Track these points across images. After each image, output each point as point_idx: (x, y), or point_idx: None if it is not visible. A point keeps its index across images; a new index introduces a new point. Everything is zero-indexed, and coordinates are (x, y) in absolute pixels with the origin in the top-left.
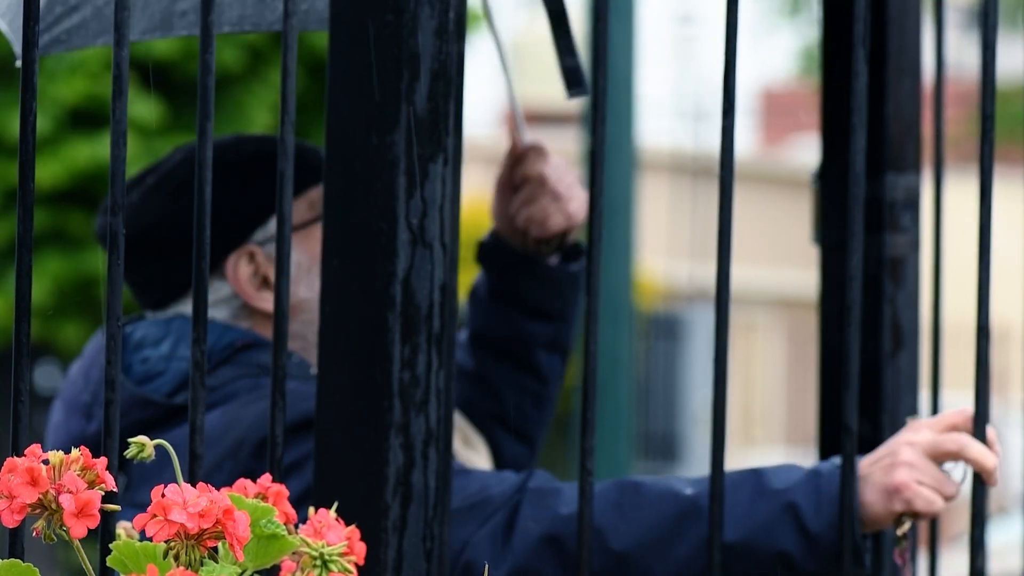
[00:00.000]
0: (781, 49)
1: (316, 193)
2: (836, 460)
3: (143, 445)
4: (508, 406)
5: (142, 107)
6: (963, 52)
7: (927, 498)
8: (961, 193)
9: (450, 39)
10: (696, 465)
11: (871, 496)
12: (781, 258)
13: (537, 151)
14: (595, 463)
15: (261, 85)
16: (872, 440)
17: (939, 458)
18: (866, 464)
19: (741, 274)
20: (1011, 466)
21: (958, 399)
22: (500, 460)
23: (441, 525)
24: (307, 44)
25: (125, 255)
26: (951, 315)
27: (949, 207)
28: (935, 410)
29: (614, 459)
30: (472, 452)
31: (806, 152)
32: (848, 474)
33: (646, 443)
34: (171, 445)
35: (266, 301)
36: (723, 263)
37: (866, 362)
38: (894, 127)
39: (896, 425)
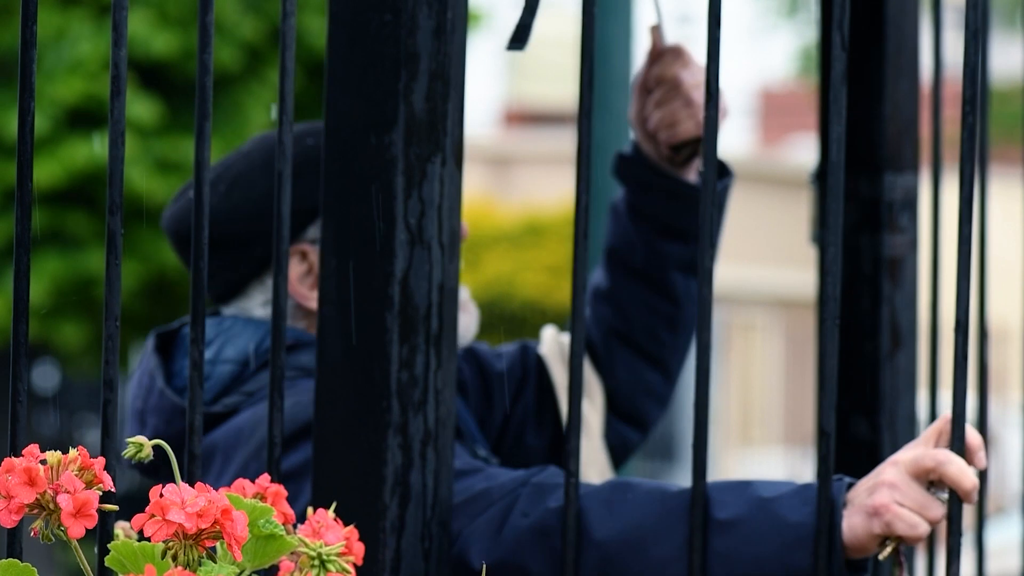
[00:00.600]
0: (779, 49)
1: None
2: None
3: (141, 446)
4: (635, 326)
5: (140, 107)
6: (961, 52)
7: (908, 521)
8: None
9: (448, 39)
10: None
11: (855, 518)
12: (780, 258)
13: (676, 52)
14: None
15: (259, 85)
16: (870, 440)
17: (920, 476)
18: (858, 486)
19: (739, 274)
20: (1010, 466)
21: None
22: (618, 387)
23: (439, 525)
24: (305, 44)
25: (186, 250)
26: (949, 315)
27: (947, 207)
28: (933, 410)
29: None
30: (585, 399)
31: (804, 152)
32: (824, 477)
33: (644, 443)
34: (206, 448)
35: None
36: (705, 257)
37: (865, 362)
38: (892, 127)
39: (894, 425)
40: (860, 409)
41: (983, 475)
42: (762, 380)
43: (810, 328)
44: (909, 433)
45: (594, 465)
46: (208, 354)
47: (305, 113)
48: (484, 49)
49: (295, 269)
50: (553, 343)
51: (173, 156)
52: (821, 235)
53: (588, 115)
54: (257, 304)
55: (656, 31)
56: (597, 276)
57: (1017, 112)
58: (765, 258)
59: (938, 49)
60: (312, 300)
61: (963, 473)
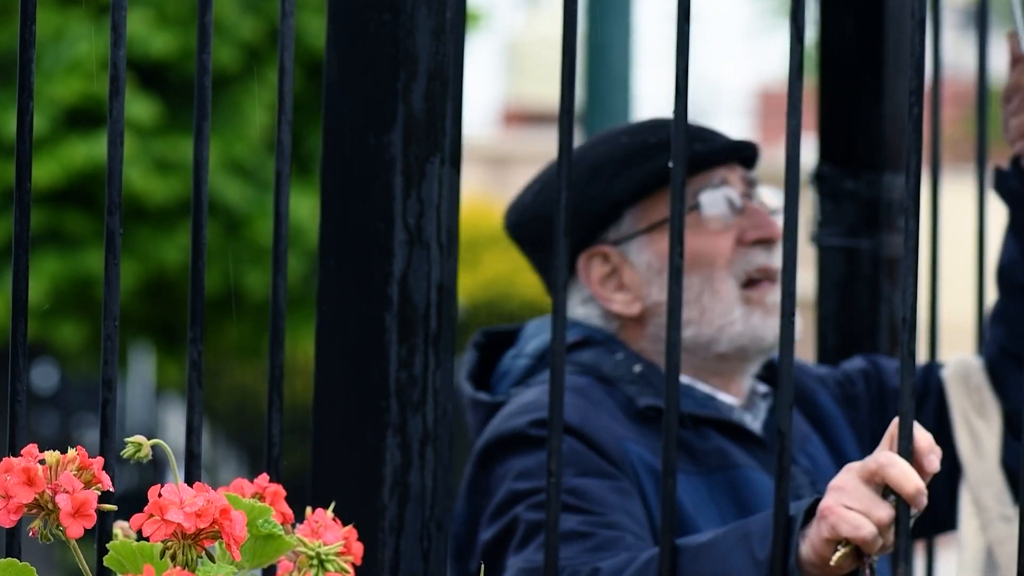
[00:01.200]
0: (778, 49)
1: (686, 188)
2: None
3: (140, 445)
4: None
5: (139, 107)
6: (960, 53)
7: (852, 522)
8: (959, 194)
9: (447, 39)
10: None
11: (810, 526)
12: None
13: None
14: None
15: (258, 85)
16: None
17: (868, 479)
18: None
19: None
20: None
21: None
22: (1013, 408)
23: (438, 526)
24: (304, 44)
25: (519, 241)
26: (948, 315)
27: (946, 208)
28: None
29: None
30: (981, 421)
31: (804, 152)
32: (781, 476)
33: None
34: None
35: (620, 303)
36: (674, 255)
37: None
38: (892, 127)
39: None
40: None
41: None
42: None
43: (809, 327)
44: None
45: (990, 487)
46: (515, 349)
47: (304, 113)
48: (483, 49)
49: (597, 271)
50: (957, 365)
51: (172, 156)
52: (819, 235)
53: (570, 112)
54: (576, 302)
55: (1014, 38)
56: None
57: None
58: None
59: (937, 49)
60: (615, 303)
61: (905, 476)
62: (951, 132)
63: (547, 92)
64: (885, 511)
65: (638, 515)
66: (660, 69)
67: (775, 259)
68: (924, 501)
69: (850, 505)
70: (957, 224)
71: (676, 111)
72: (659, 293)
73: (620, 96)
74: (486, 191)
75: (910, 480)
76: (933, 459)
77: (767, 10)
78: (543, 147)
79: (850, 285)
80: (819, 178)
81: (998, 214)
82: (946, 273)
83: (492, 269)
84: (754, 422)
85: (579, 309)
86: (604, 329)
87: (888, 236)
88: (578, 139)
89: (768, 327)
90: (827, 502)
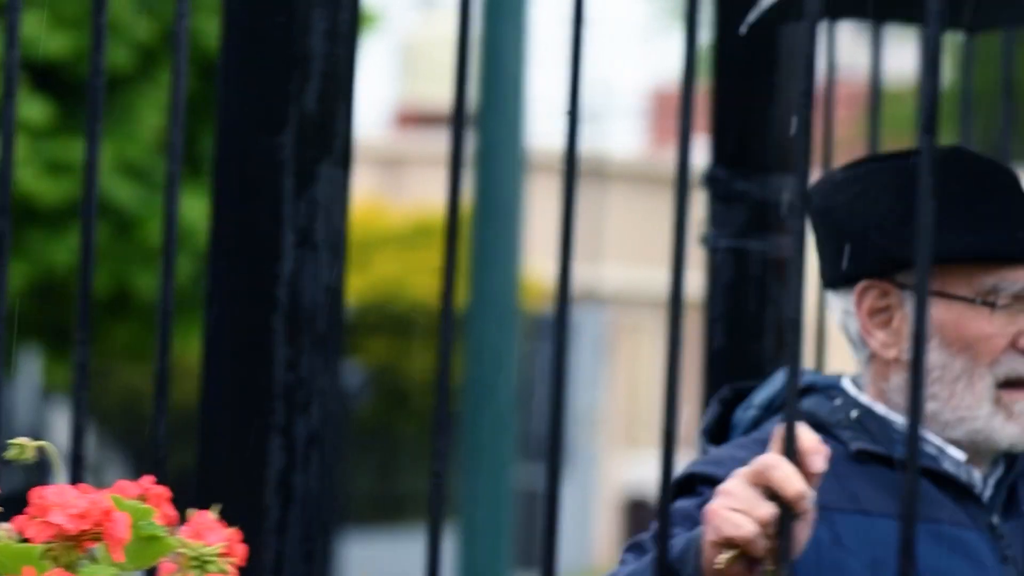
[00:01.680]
0: (674, 50)
1: (990, 277)
2: None
3: (24, 446)
4: None
5: (32, 108)
6: (855, 54)
7: (732, 521)
8: None
9: (341, 41)
10: (579, 467)
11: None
12: (668, 259)
13: None
14: (478, 463)
15: (151, 86)
16: None
17: (754, 482)
18: None
19: (628, 275)
20: None
21: None
22: None
23: (323, 528)
24: (199, 45)
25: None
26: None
27: None
28: None
29: (496, 460)
30: None
31: (697, 154)
32: (665, 475)
33: (528, 444)
34: None
35: (878, 342)
36: (565, 258)
37: (750, 364)
38: (783, 129)
39: None
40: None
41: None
42: (648, 382)
43: (696, 330)
44: None
45: None
46: (746, 403)
47: (197, 114)
48: (377, 49)
49: (870, 302)
50: None
51: (64, 157)
52: (709, 236)
53: (461, 114)
54: (839, 306)
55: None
56: None
57: (908, 114)
58: (653, 259)
59: (831, 49)
60: (875, 339)
61: (787, 479)
62: (844, 133)
63: (441, 93)
64: (766, 509)
65: None
66: (553, 70)
67: None
68: (806, 504)
69: (733, 506)
70: None
71: (569, 112)
72: (932, 354)
73: (511, 97)
74: (379, 192)
75: (791, 483)
76: (817, 459)
77: (663, 11)
78: (436, 148)
79: (739, 287)
80: (711, 180)
81: None
82: None
83: (383, 270)
84: (981, 479)
85: (838, 311)
86: (857, 346)
87: (777, 237)
88: (471, 141)
89: (1006, 432)
90: (711, 505)
